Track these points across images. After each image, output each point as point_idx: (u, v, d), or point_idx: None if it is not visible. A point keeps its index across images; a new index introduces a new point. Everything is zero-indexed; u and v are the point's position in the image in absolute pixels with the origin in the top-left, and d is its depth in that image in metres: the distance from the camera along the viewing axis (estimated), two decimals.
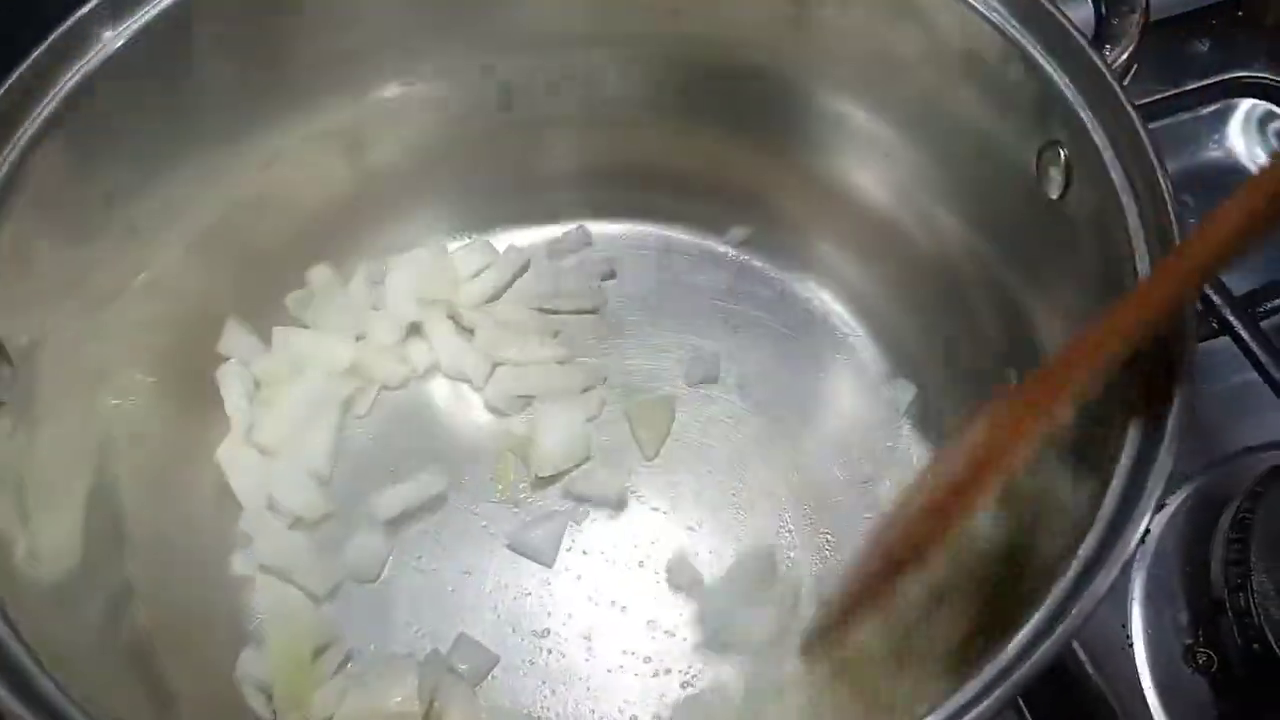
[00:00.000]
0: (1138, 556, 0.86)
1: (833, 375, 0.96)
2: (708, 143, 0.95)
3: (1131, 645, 0.84)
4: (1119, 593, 0.85)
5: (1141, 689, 0.82)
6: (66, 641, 0.61)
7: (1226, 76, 1.09)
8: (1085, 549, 0.54)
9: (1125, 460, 0.56)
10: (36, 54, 0.68)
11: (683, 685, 0.82)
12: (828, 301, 0.98)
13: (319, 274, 0.95)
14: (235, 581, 0.85)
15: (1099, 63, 0.66)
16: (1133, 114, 0.64)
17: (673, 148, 0.96)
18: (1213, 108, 1.09)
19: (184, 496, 0.86)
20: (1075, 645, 0.83)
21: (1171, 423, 0.55)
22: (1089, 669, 0.83)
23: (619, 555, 0.88)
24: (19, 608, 0.58)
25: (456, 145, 0.95)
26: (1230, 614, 0.80)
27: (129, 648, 0.72)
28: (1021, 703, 0.85)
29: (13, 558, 0.63)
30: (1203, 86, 1.09)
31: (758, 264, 1.00)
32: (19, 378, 0.67)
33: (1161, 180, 0.62)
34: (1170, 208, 0.61)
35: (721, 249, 1.01)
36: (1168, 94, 1.08)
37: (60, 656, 0.57)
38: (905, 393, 0.93)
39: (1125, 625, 0.85)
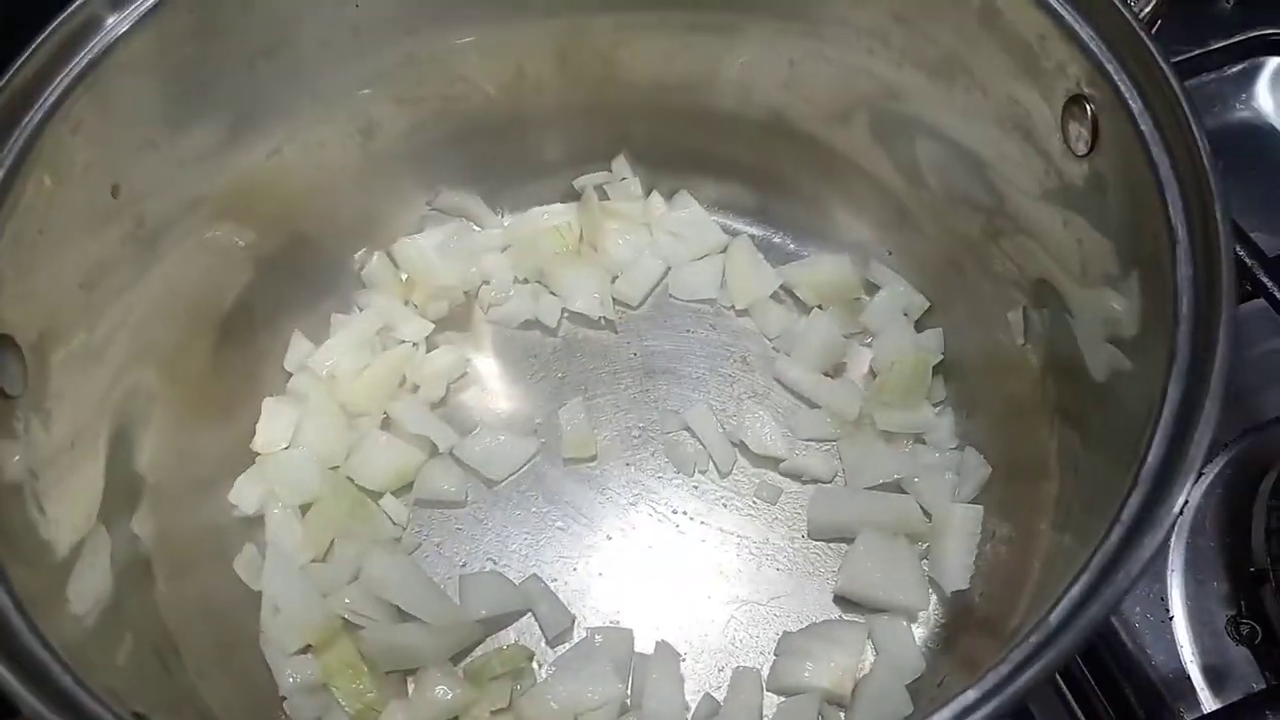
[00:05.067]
0: (1176, 528, 0.84)
1: None
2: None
3: (1172, 618, 0.82)
4: (1158, 566, 0.83)
5: (1183, 662, 0.81)
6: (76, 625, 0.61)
7: (1252, 34, 1.06)
8: (1129, 511, 0.52)
9: (1168, 415, 0.54)
10: (40, 40, 0.67)
11: None
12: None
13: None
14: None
15: (1125, 13, 0.64)
16: (1162, 63, 0.62)
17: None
18: (1239, 67, 1.06)
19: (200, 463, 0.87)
20: (1114, 620, 0.81)
21: (1215, 377, 0.53)
22: (1128, 643, 0.81)
23: None
24: (33, 596, 0.57)
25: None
26: (1273, 583, 0.78)
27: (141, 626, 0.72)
28: (1060, 679, 0.83)
29: (28, 545, 0.62)
30: (1228, 45, 1.06)
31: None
32: (30, 372, 0.66)
33: (1195, 130, 0.59)
34: (1205, 159, 0.59)
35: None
36: (1193, 53, 1.05)
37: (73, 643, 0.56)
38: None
39: (1165, 599, 0.83)
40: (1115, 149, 0.65)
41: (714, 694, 0.82)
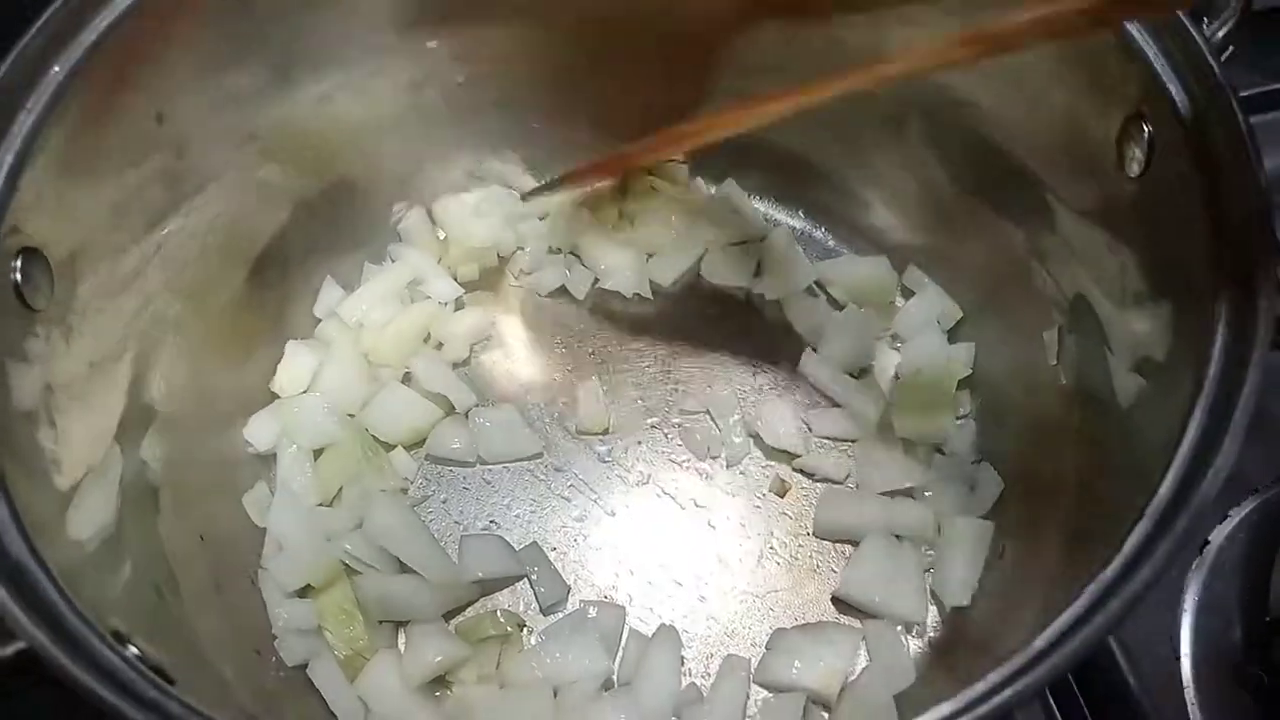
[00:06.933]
0: (1194, 566, 0.82)
1: None
2: None
3: (1179, 659, 0.80)
4: (1170, 603, 0.81)
5: (1186, 704, 0.79)
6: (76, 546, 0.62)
7: None
8: (1131, 543, 0.51)
9: (1185, 450, 0.53)
10: None
11: None
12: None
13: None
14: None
15: (1196, 36, 0.61)
16: (1228, 93, 0.60)
17: None
18: None
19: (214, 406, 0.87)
20: (1119, 655, 0.80)
21: (1238, 414, 0.51)
22: (1131, 679, 0.80)
23: None
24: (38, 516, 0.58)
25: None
26: None
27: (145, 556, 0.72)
28: (1057, 711, 0.82)
29: (36, 465, 0.63)
30: None
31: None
32: (57, 287, 0.67)
33: (1254, 166, 0.57)
34: (1262, 181, 0.57)
35: None
36: (1264, 89, 1.02)
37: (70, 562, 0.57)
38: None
39: (1174, 638, 0.81)
40: (1169, 175, 0.64)
41: (699, 681, 0.82)
